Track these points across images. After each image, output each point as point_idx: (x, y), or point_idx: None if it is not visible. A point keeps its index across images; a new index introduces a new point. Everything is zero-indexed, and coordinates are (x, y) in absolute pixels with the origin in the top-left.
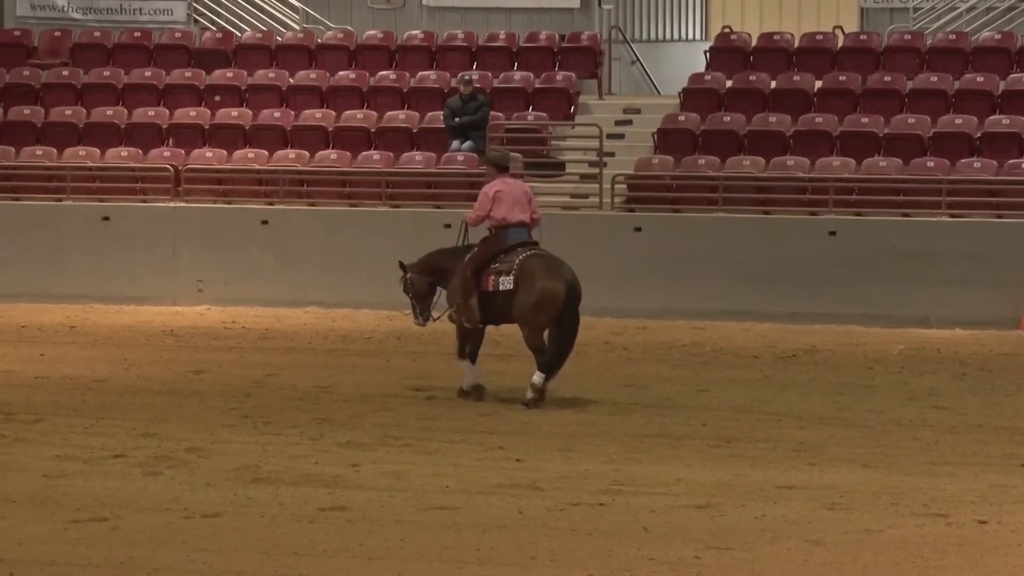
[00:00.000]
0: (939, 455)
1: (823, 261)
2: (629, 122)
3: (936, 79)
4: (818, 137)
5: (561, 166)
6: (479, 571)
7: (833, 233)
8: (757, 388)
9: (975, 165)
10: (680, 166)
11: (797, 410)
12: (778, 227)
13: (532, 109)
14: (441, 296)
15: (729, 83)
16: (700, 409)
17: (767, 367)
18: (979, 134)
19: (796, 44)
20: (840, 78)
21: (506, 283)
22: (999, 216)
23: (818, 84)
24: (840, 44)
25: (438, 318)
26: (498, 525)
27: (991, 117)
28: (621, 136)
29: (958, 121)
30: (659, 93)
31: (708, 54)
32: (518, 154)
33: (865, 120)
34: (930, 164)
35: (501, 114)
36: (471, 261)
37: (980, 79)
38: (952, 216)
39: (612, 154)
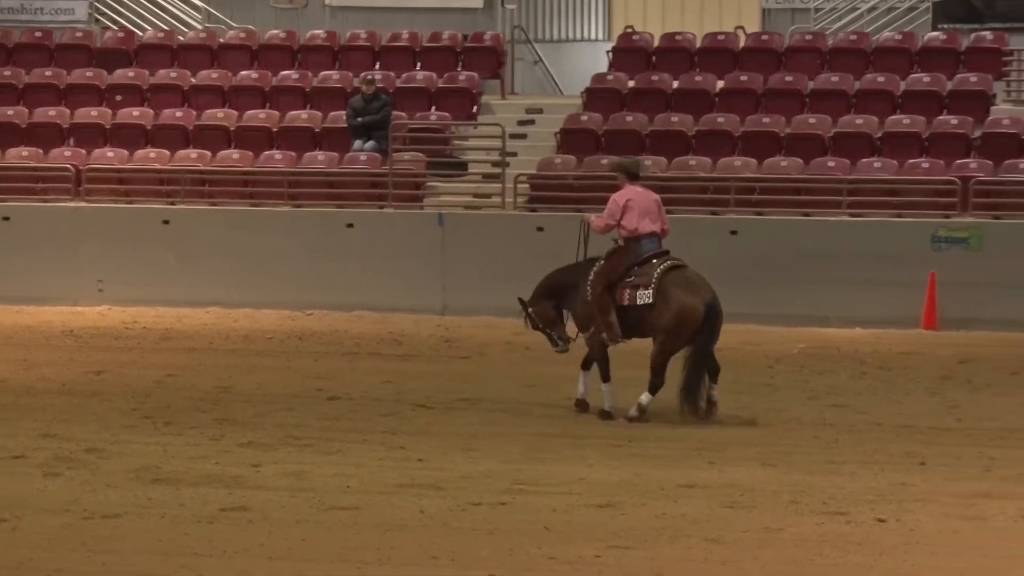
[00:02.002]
0: (839, 454)
1: (724, 260)
2: (532, 122)
3: (837, 79)
4: (720, 137)
5: (463, 166)
6: (380, 571)
7: (734, 232)
8: None
9: (876, 165)
10: (583, 166)
11: None
12: (680, 226)
13: (435, 109)
14: None
15: (631, 83)
16: None
17: (669, 366)
18: (880, 134)
19: (698, 44)
20: (742, 78)
21: (644, 297)
22: (899, 216)
23: (720, 84)
24: (742, 44)
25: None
26: (399, 525)
27: (892, 117)
28: (524, 136)
29: (859, 121)
30: (562, 93)
31: (610, 54)
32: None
33: (767, 120)
34: (831, 164)
35: (404, 114)
36: (601, 276)
37: (881, 79)
38: (853, 216)
39: (515, 154)
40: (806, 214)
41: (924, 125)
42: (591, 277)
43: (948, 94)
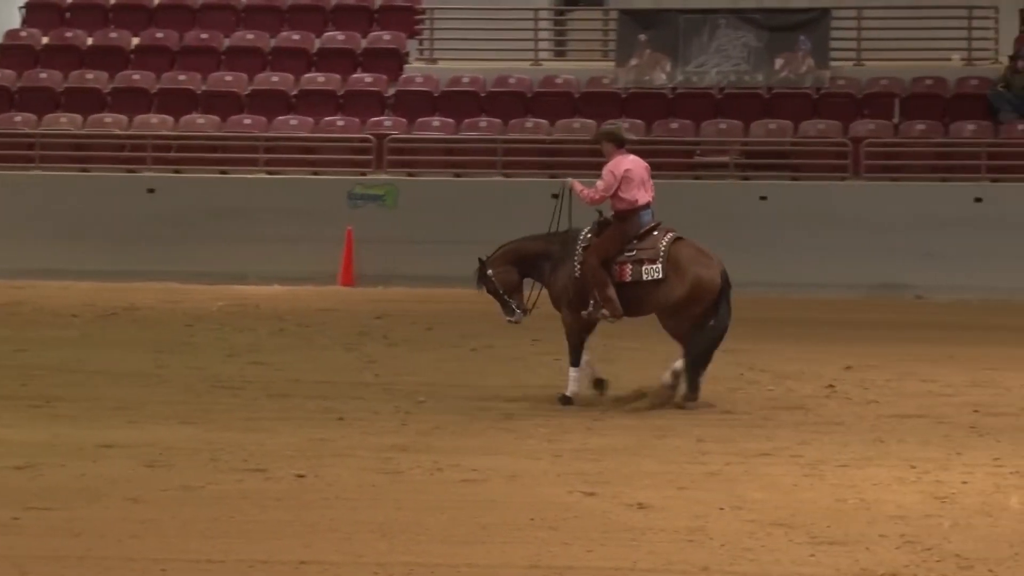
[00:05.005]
0: (258, 411)
1: (142, 219)
2: None
3: (252, 36)
4: (136, 94)
5: None
6: None
7: (152, 191)
8: (77, 347)
9: (292, 122)
10: None
11: (117, 368)
12: (97, 185)
13: None
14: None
15: (45, 39)
16: (20, 369)
17: (87, 325)
18: (295, 91)
19: (111, 0)
20: (158, 35)
21: (652, 272)
22: (316, 173)
23: (135, 41)
24: (156, 1)
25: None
26: None
27: (307, 75)
28: None
29: (274, 79)
30: None
31: (23, 10)
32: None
33: (183, 77)
34: (247, 121)
35: None
36: (597, 250)
37: (296, 37)
38: (270, 173)
39: None
40: (223, 171)
41: (339, 83)
42: (578, 251)
43: (362, 52)
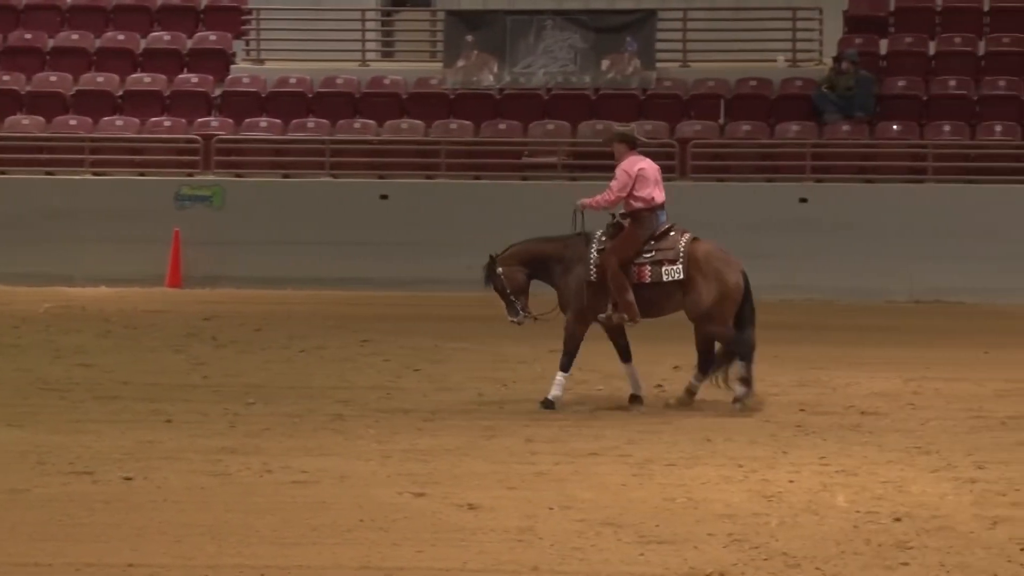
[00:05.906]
0: (85, 413)
1: None
2: None
3: (77, 37)
4: None
5: None
6: None
7: None
8: None
9: (118, 123)
10: None
11: None
12: None
13: None
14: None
15: None
16: None
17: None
18: (121, 92)
19: None
20: None
21: (672, 273)
22: (142, 174)
23: None
24: None
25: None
26: None
27: (133, 75)
28: None
29: (100, 79)
30: None
31: None
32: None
33: (6, 78)
34: (73, 122)
35: None
36: (615, 252)
37: (121, 37)
38: (95, 174)
39: None
40: (49, 172)
41: (165, 83)
42: (593, 255)
43: (188, 52)
